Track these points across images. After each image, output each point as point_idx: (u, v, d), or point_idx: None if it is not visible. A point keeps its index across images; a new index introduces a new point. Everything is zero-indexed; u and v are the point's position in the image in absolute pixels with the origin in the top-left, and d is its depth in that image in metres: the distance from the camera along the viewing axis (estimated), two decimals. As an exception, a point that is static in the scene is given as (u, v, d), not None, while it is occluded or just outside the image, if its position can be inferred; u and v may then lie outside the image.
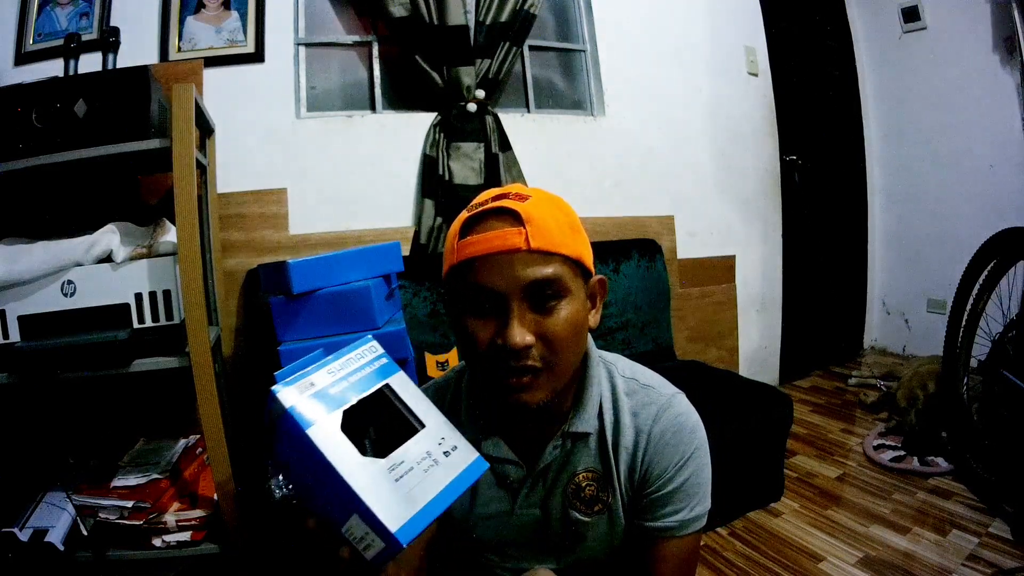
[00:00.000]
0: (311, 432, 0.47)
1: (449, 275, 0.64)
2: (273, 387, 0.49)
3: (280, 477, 1.24)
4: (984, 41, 2.49)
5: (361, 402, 0.52)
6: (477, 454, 0.55)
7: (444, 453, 0.52)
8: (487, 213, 0.61)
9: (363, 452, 0.48)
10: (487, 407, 0.71)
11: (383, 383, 0.55)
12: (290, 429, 0.47)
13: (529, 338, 0.58)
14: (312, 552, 0.50)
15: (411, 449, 0.51)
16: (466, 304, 0.61)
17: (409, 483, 0.48)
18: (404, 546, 0.45)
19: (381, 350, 0.59)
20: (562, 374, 0.63)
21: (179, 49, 1.73)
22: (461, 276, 0.61)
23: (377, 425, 0.53)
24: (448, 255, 0.63)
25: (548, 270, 0.59)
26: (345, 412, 0.50)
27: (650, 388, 0.72)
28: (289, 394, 0.49)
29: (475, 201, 0.65)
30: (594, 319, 0.67)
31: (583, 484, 0.70)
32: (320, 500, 0.48)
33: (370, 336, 0.60)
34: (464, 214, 0.63)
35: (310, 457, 0.46)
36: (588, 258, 0.65)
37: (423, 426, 0.54)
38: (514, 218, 0.60)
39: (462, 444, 0.55)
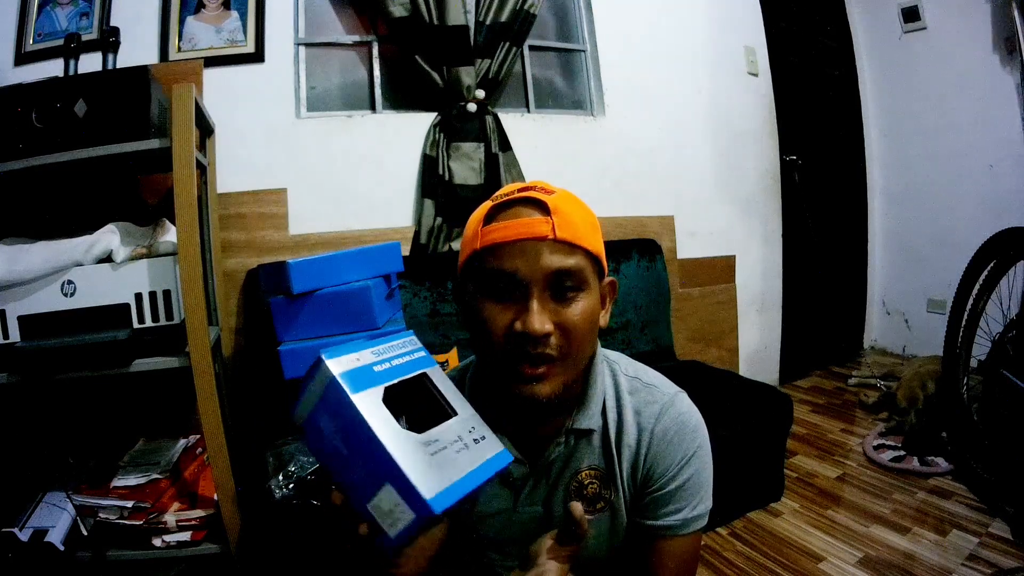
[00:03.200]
0: (356, 398, 0.48)
1: (468, 263, 0.64)
2: (322, 353, 0.51)
3: (280, 477, 1.24)
4: (984, 41, 2.50)
5: (401, 383, 0.54)
6: (503, 447, 0.57)
7: (474, 440, 0.55)
8: (514, 202, 0.62)
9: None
10: (491, 404, 0.71)
11: (422, 371, 0.58)
12: (335, 395, 0.49)
13: (548, 326, 0.59)
14: (330, 529, 0.51)
15: (444, 431, 0.53)
16: (485, 289, 0.62)
17: (443, 459, 0.50)
18: (437, 513, 0.45)
19: (420, 344, 0.62)
20: (574, 367, 0.63)
21: (179, 49, 1.73)
22: (482, 261, 0.62)
23: (413, 407, 0.56)
24: (469, 243, 0.64)
25: (571, 261, 0.60)
26: (385, 390, 0.52)
27: (653, 387, 0.72)
28: (337, 363, 0.51)
29: (499, 192, 0.66)
30: (604, 319, 0.67)
31: (586, 482, 0.70)
32: (350, 472, 0.50)
33: (411, 331, 0.63)
34: (488, 204, 0.64)
35: (350, 424, 0.48)
36: (604, 258, 0.66)
37: (456, 414, 0.56)
38: (541, 208, 0.61)
39: (489, 435, 0.57)
